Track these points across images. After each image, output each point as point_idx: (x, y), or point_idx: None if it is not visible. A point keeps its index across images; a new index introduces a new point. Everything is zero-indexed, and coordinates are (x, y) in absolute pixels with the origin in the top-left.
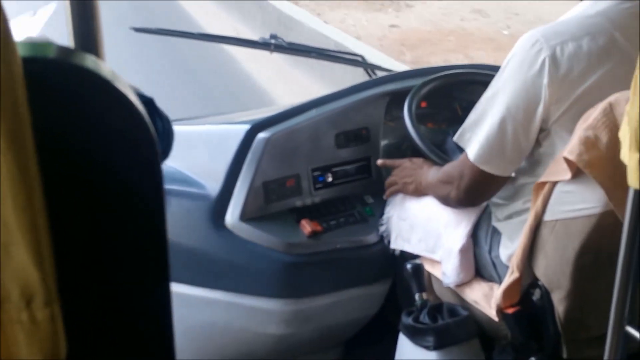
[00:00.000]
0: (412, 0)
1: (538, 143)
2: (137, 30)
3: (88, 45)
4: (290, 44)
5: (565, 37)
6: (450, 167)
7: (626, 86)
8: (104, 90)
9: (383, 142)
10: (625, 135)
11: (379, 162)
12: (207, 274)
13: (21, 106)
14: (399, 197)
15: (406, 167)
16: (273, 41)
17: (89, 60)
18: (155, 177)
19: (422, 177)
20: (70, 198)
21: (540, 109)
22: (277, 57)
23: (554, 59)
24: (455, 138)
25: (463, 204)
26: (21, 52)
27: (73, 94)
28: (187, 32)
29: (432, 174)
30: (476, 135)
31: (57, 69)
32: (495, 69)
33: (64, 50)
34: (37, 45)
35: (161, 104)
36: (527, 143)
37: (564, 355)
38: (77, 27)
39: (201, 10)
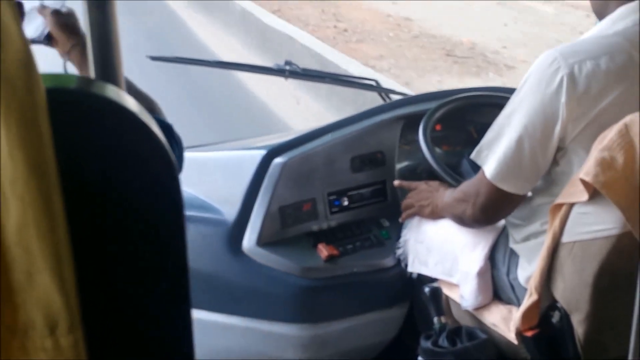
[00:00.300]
0: (508, 57)
1: (555, 161)
2: (154, 58)
3: (109, 75)
4: (304, 70)
5: (584, 55)
6: (466, 186)
7: None
8: (126, 120)
9: (398, 166)
10: None
11: (396, 182)
12: (224, 300)
13: (45, 136)
14: (416, 220)
15: (422, 190)
16: (288, 67)
17: (110, 90)
18: (175, 205)
19: (438, 199)
20: (92, 225)
21: (558, 127)
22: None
23: (572, 77)
24: (472, 156)
25: (479, 222)
26: (44, 83)
27: (95, 123)
28: (204, 60)
29: (448, 194)
30: (493, 153)
31: (79, 99)
32: (510, 91)
33: (85, 80)
34: (59, 76)
35: (177, 130)
36: (545, 161)
37: None
38: (98, 57)
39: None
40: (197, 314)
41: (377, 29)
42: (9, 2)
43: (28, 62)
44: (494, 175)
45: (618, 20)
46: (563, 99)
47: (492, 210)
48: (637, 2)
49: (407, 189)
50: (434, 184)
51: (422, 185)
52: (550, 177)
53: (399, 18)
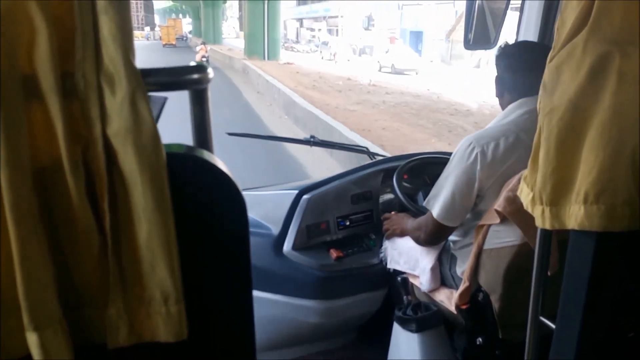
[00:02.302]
0: None
1: (476, 204)
2: (231, 134)
3: (204, 143)
4: (322, 141)
5: (489, 139)
6: (419, 220)
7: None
8: (215, 173)
9: (381, 200)
10: (522, 193)
11: (382, 217)
12: (271, 284)
13: (164, 181)
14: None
15: (393, 219)
16: (312, 139)
17: (205, 154)
18: (243, 226)
19: (403, 225)
20: (191, 237)
21: (476, 184)
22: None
23: (483, 153)
24: (424, 204)
25: (428, 243)
26: (165, 149)
27: (196, 173)
28: (263, 135)
29: (409, 223)
30: (437, 202)
31: (186, 159)
32: (448, 154)
33: (189, 147)
34: (173, 145)
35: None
36: (469, 205)
37: (500, 336)
38: (197, 130)
39: None
40: (255, 293)
41: None
42: (144, 97)
43: (155, 135)
44: (438, 215)
45: (508, 114)
46: (478, 167)
47: (436, 236)
48: (519, 102)
49: (386, 218)
50: (401, 214)
51: (393, 216)
52: (475, 211)
53: None
